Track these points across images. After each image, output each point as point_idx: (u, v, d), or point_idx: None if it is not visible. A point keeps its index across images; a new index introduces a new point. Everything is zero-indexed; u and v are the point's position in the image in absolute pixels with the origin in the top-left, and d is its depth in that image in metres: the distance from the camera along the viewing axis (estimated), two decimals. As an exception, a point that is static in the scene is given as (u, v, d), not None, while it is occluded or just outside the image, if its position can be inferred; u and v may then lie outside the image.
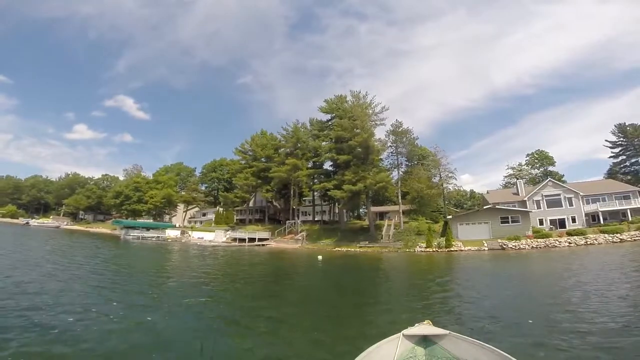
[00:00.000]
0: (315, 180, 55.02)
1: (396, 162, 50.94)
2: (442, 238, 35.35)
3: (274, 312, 9.47)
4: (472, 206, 65.30)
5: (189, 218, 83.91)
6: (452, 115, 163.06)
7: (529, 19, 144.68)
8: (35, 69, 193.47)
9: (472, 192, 77.69)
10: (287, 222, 55.02)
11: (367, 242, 40.48)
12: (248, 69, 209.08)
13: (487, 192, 55.56)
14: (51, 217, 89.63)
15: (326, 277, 19.67)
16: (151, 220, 71.59)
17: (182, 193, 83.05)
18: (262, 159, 60.43)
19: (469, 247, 33.28)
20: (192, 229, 66.34)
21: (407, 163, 54.68)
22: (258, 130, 68.31)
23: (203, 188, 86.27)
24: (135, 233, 52.01)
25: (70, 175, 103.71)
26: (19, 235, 41.55)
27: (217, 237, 55.03)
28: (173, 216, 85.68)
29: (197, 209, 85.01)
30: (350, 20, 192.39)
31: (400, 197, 48.58)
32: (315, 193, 59.65)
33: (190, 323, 8.01)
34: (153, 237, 52.26)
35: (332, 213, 62.13)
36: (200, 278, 15.88)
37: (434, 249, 33.78)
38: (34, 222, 78.71)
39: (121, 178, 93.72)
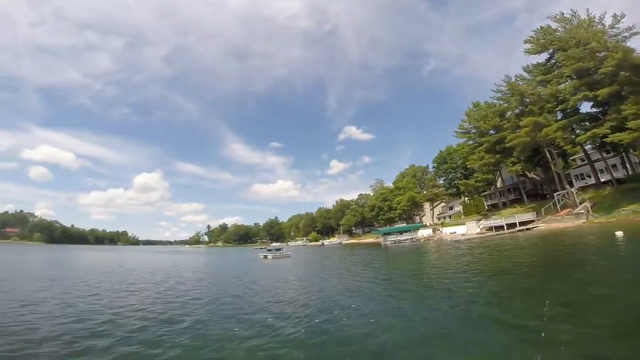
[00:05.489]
0: (578, 131, 40.03)
1: None
2: None
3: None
4: None
5: (437, 215, 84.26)
6: None
7: None
8: (292, 133, 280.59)
9: None
10: (555, 194, 42.73)
11: None
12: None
13: None
14: (335, 236, 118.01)
15: (636, 264, 12.71)
16: (404, 224, 77.65)
17: (424, 192, 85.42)
18: (490, 132, 51.58)
19: None
20: (443, 225, 65.67)
21: None
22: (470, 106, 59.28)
23: (441, 182, 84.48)
24: (391, 238, 57.69)
25: (339, 202, 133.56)
26: (321, 251, 56.28)
27: (469, 229, 51.29)
28: (423, 216, 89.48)
29: (442, 204, 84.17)
30: None
31: None
32: (587, 147, 43.32)
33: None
34: (407, 239, 55.78)
35: (632, 165, 42.02)
36: (462, 274, 14.58)
37: None
38: (327, 242, 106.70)
39: (371, 194, 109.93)
